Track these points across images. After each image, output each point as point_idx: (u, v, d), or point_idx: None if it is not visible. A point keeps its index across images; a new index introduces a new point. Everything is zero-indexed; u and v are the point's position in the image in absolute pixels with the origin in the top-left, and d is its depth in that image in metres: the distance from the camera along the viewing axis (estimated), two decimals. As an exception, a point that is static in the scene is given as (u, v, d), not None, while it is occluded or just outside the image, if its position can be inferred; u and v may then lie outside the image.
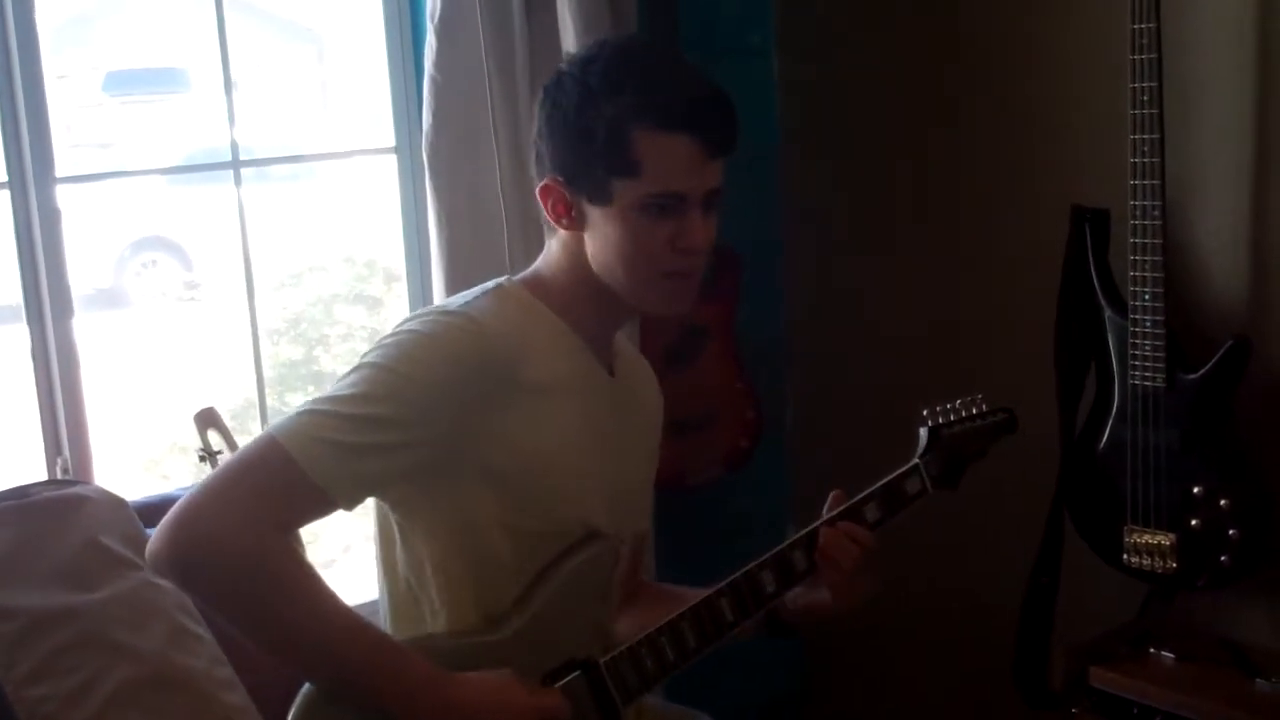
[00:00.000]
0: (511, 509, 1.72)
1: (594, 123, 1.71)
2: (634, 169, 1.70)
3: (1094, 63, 2.64)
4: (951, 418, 2.03)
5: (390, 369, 1.66)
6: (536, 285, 1.82)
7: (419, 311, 1.79)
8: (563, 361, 1.77)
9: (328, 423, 1.61)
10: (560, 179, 1.75)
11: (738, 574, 1.86)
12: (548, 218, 1.79)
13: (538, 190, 1.78)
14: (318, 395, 1.67)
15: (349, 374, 1.67)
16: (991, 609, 2.83)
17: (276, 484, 1.59)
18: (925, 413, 2.02)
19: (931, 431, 2.01)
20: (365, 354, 1.70)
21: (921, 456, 1.99)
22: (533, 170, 1.82)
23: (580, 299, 1.80)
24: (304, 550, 2.48)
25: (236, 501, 1.58)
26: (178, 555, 1.57)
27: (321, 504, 1.64)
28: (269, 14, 6.02)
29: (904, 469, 1.98)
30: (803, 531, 1.89)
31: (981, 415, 2.06)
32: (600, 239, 1.75)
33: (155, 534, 1.58)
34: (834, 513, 1.90)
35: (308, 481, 1.59)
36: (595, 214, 1.74)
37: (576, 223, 1.76)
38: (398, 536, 1.77)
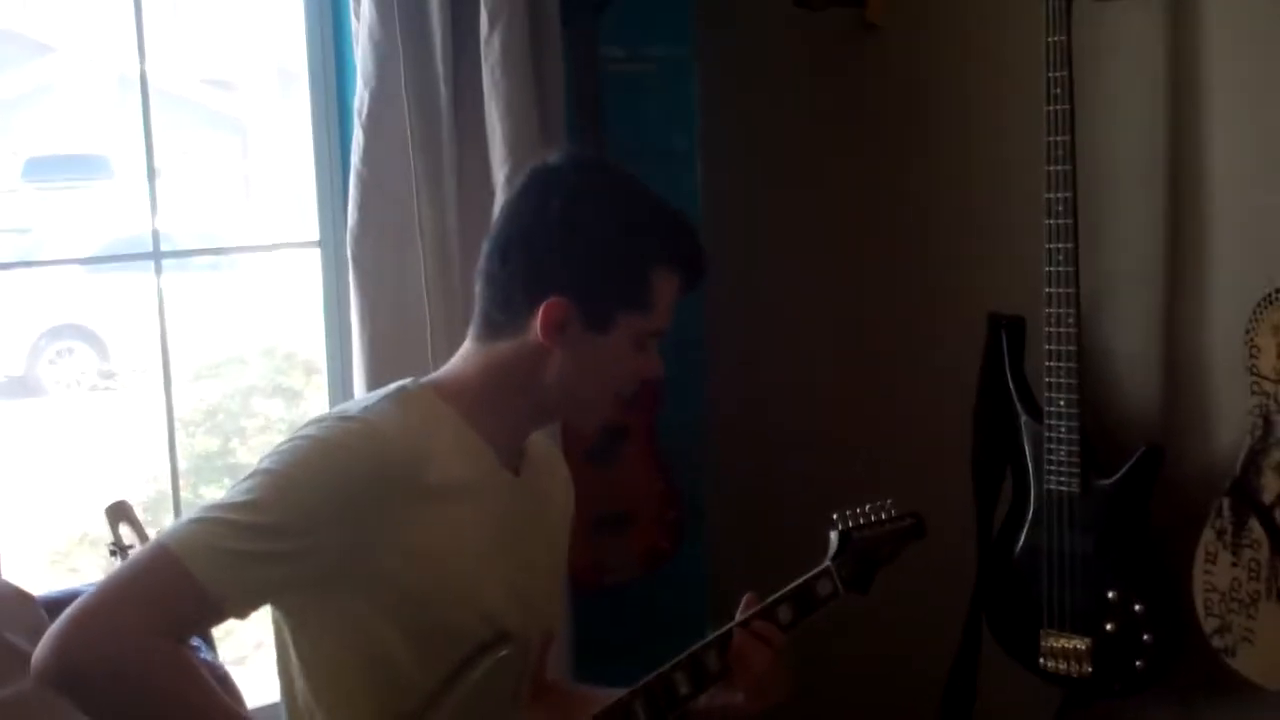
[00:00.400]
0: (408, 614, 1.69)
1: (622, 258, 1.74)
2: (647, 306, 1.74)
3: (1010, 173, 2.70)
4: (861, 521, 2.05)
5: (285, 475, 1.63)
6: (445, 388, 1.79)
7: (318, 416, 1.76)
8: (464, 466, 1.74)
9: (219, 530, 1.58)
10: (566, 298, 1.72)
11: (651, 676, 1.85)
12: (538, 334, 1.73)
13: (542, 306, 1.72)
14: (210, 502, 1.64)
15: (244, 480, 1.64)
16: (909, 714, 2.83)
17: (166, 592, 1.55)
18: (835, 516, 2.04)
19: (842, 535, 2.02)
20: (262, 460, 1.67)
21: (833, 559, 2.01)
22: (514, 273, 1.76)
23: (495, 405, 1.78)
24: (215, 649, 2.45)
25: (124, 612, 1.53)
26: (64, 669, 1.51)
27: (213, 612, 1.60)
28: (194, 103, 6.02)
29: (815, 571, 1.99)
30: (716, 633, 1.89)
31: (890, 520, 2.08)
32: (578, 360, 1.74)
33: (40, 646, 1.51)
34: (747, 614, 1.91)
35: (198, 589, 1.54)
36: (584, 337, 1.74)
37: (558, 340, 1.74)
38: (291, 643, 1.74)
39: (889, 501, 2.09)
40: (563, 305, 1.72)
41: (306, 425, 1.71)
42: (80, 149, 5.76)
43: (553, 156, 1.83)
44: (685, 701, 1.87)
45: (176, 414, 2.86)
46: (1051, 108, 2.37)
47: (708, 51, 3.36)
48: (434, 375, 1.84)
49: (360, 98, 2.71)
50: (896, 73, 2.97)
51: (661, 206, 1.80)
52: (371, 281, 2.74)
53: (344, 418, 1.72)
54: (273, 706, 1.88)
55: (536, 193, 1.78)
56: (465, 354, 1.82)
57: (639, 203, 1.78)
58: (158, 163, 2.80)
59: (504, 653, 1.75)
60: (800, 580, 1.97)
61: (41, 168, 5.89)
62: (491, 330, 1.78)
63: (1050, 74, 2.37)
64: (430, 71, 2.71)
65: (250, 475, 1.64)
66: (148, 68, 2.77)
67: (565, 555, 2.00)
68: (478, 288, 1.80)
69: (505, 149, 2.68)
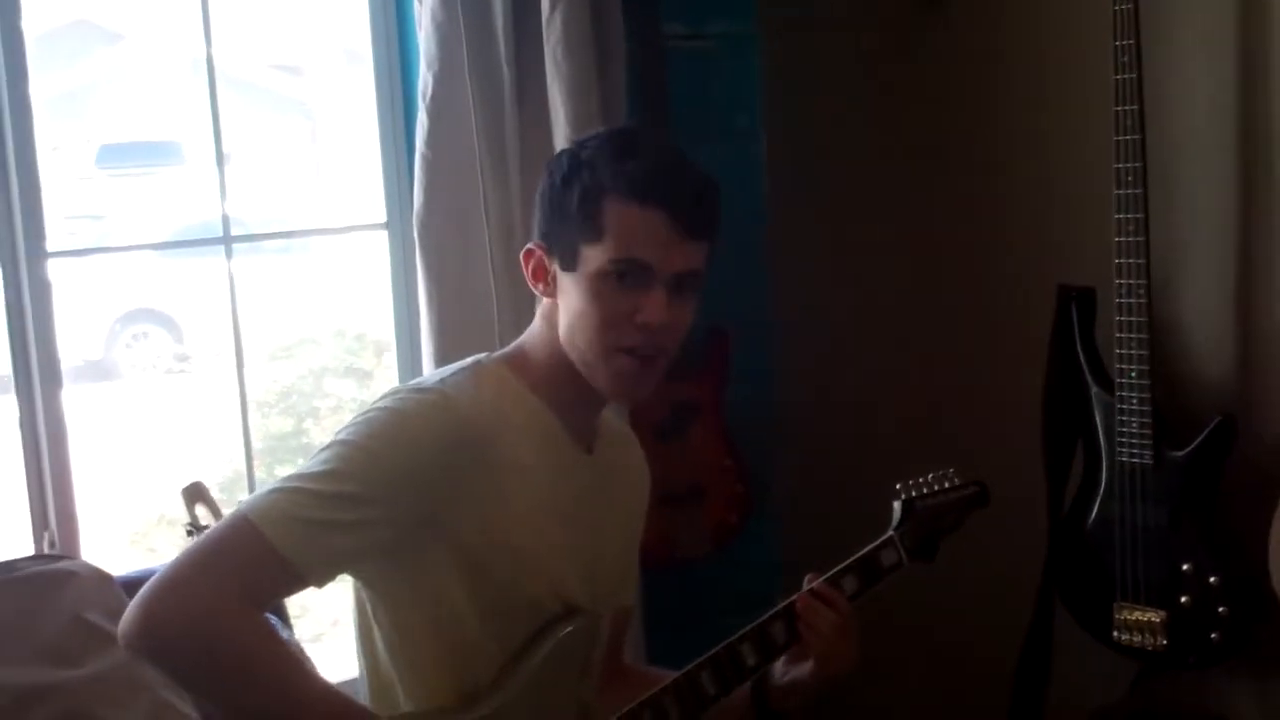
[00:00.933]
0: (480, 586, 1.72)
1: (571, 190, 1.74)
2: (599, 234, 1.72)
3: (1078, 144, 2.67)
4: (925, 491, 2.04)
5: (361, 446, 1.66)
6: (516, 362, 1.82)
7: (394, 389, 1.79)
8: (535, 441, 1.77)
9: (298, 500, 1.61)
10: (540, 244, 1.79)
11: (718, 647, 1.86)
12: (528, 282, 1.81)
13: (521, 254, 1.82)
14: (289, 473, 1.68)
15: (321, 452, 1.67)
16: (982, 689, 2.82)
17: (247, 561, 1.59)
18: (899, 486, 2.03)
19: (905, 504, 2.02)
20: (338, 431, 1.70)
21: (896, 529, 2.01)
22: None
23: (558, 377, 1.80)
24: (291, 626, 2.49)
25: (206, 580, 1.58)
26: (148, 634, 1.56)
27: (292, 581, 1.64)
28: (263, 88, 6.07)
29: (879, 541, 1.99)
30: (782, 604, 1.90)
31: (954, 488, 2.07)
32: (566, 306, 1.76)
33: (126, 613, 1.57)
34: (812, 585, 1.91)
35: (278, 558, 1.58)
36: (565, 280, 1.76)
37: (550, 289, 1.79)
38: (371, 614, 1.77)
39: (950, 470, 2.08)
40: (535, 249, 1.79)
41: (382, 397, 1.75)
42: (152, 136, 5.83)
43: None
44: (752, 672, 1.88)
45: (251, 395, 2.89)
46: (1119, 76, 2.35)
47: (771, 26, 3.35)
48: (507, 349, 1.87)
49: (424, 80, 2.72)
50: (962, 43, 2.95)
51: (637, 143, 1.78)
52: (438, 262, 2.76)
53: (419, 390, 1.74)
54: (350, 683, 1.91)
55: None
56: (530, 327, 1.86)
57: (606, 143, 1.78)
58: (228, 148, 2.83)
59: (571, 628, 1.77)
60: (865, 550, 1.97)
61: (114, 154, 5.97)
62: (538, 301, 1.84)
63: (1117, 42, 2.34)
64: (492, 52, 2.72)
65: (328, 446, 1.68)
66: (219, 54, 2.80)
67: (639, 535, 2.01)
68: None
69: (568, 128, 2.68)
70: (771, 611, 1.90)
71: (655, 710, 1.81)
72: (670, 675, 1.92)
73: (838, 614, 1.89)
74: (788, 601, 1.90)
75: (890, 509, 2.03)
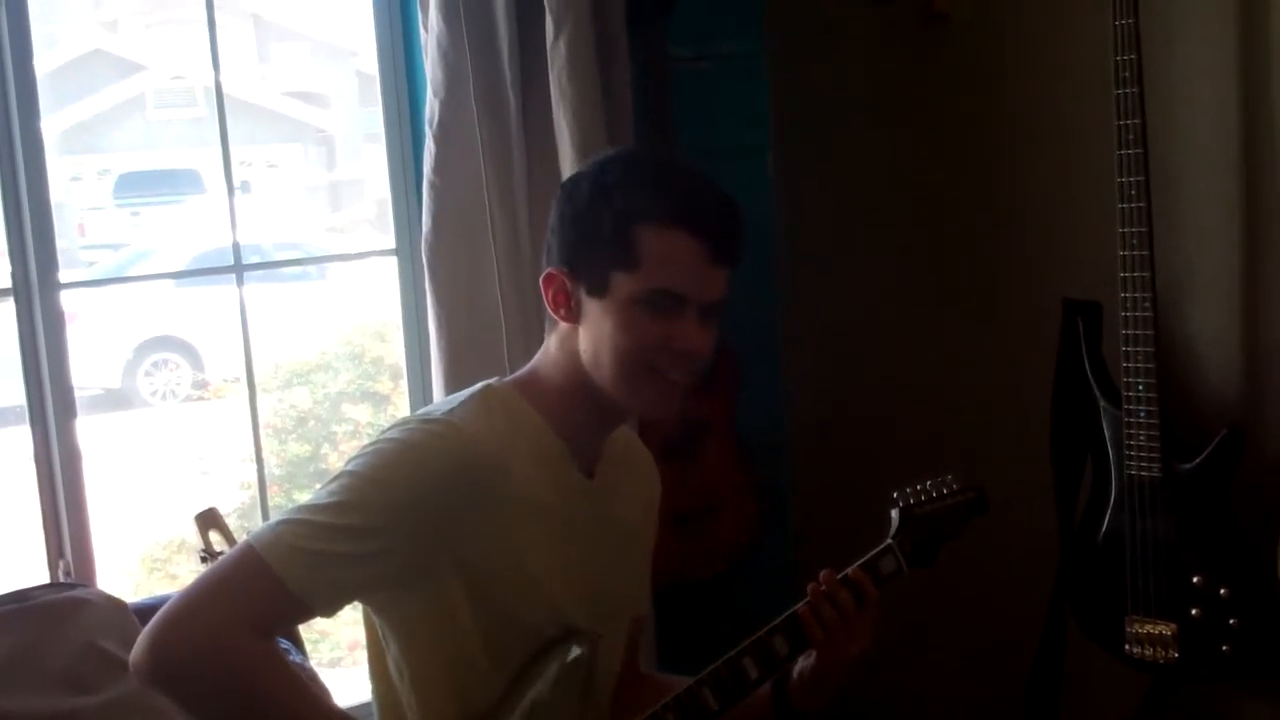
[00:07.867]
0: (486, 613, 1.73)
1: (600, 215, 1.74)
2: (633, 262, 1.72)
3: (1082, 157, 2.68)
4: (922, 498, 2.02)
5: (368, 478, 1.67)
6: (526, 385, 1.83)
7: (403, 419, 1.80)
8: (540, 467, 1.77)
9: (305, 531, 1.62)
10: (563, 269, 1.77)
11: (719, 661, 1.86)
12: (547, 308, 1.79)
13: (541, 279, 1.79)
14: (297, 504, 1.69)
15: (329, 483, 1.68)
16: (995, 703, 2.82)
17: (254, 593, 1.60)
18: (895, 494, 2.02)
19: (903, 512, 2.00)
20: (347, 462, 1.71)
21: (894, 537, 1.98)
22: (541, 263, 1.83)
23: (570, 400, 1.80)
24: (305, 652, 2.50)
25: (214, 611, 1.59)
26: (158, 666, 1.58)
27: (299, 611, 1.65)
28: (283, 116, 6.11)
29: (878, 549, 1.96)
30: (783, 616, 1.90)
31: (952, 494, 2.04)
32: (593, 332, 1.76)
33: (136, 645, 1.59)
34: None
35: (285, 590, 1.59)
36: (592, 306, 1.75)
37: (573, 314, 1.77)
38: (382, 639, 1.78)
39: (949, 476, 2.05)
40: (558, 275, 1.77)
41: (391, 428, 1.75)
42: (171, 164, 5.87)
43: None
44: (754, 685, 1.87)
45: (269, 421, 2.91)
46: (1120, 91, 2.35)
47: (778, 46, 3.36)
48: (518, 373, 1.88)
49: (431, 107, 2.75)
50: (966, 61, 2.96)
51: (664, 168, 1.81)
52: (447, 288, 2.77)
53: (427, 420, 1.75)
54: (364, 706, 1.93)
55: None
56: (541, 350, 1.86)
57: (630, 167, 1.79)
58: (248, 175, 2.86)
59: (569, 650, 1.77)
60: (864, 559, 1.95)
61: (133, 183, 6.02)
62: (548, 324, 1.83)
63: (1118, 58, 2.35)
64: (498, 79, 2.74)
65: (336, 477, 1.69)
66: (239, 83, 2.83)
67: (647, 550, 2.01)
68: None
69: (574, 153, 2.70)
70: (775, 622, 1.89)
71: None
72: (684, 681, 1.92)
73: (851, 606, 1.88)
74: (790, 611, 1.90)
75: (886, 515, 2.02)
